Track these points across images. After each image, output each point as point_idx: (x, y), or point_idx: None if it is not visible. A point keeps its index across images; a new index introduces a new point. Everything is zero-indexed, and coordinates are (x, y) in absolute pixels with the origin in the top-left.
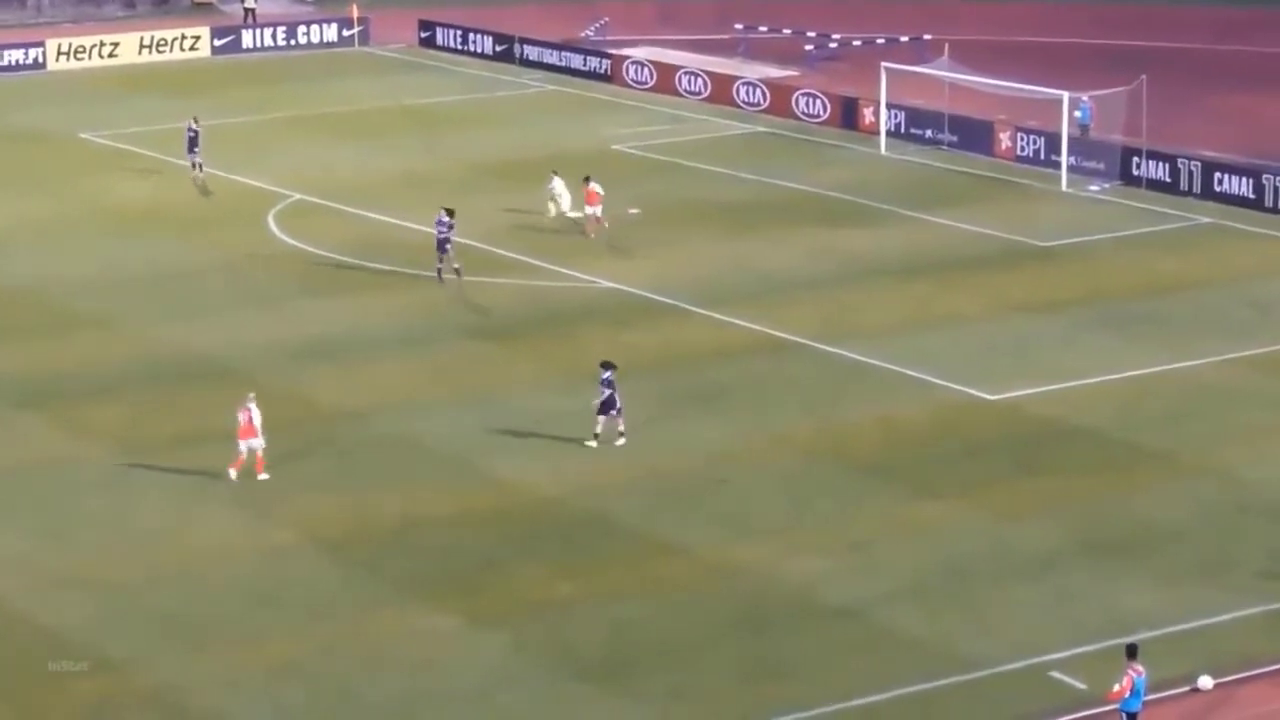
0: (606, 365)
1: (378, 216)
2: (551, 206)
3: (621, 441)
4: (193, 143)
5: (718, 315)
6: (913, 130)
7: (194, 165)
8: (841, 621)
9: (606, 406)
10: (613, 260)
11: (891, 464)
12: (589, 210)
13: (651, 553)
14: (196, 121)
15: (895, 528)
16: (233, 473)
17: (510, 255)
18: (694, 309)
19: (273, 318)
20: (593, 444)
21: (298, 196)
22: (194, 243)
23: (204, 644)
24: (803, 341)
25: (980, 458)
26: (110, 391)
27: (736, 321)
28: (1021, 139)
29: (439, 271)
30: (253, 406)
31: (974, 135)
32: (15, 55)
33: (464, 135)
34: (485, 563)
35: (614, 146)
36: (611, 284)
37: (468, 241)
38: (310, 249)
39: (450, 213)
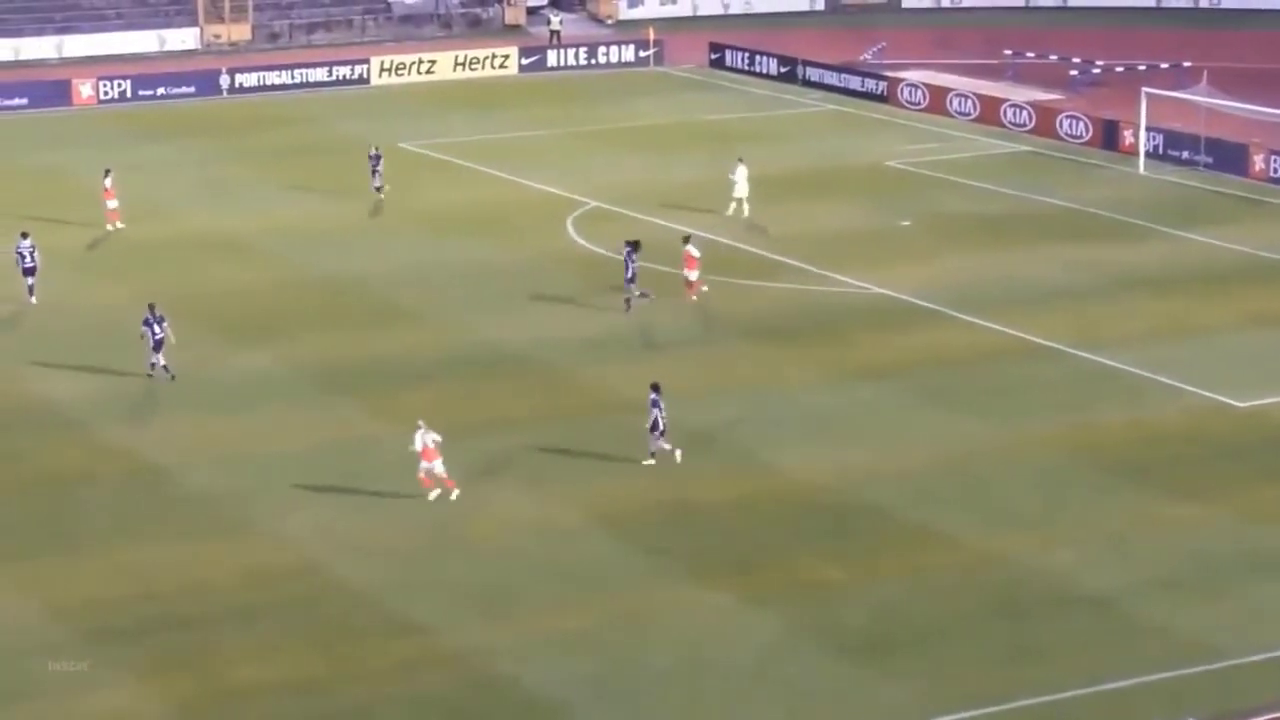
0: (654, 387)
1: (665, 223)
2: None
3: (679, 455)
4: (376, 166)
5: (979, 320)
6: (1170, 152)
7: (374, 188)
8: (1094, 610)
9: (653, 427)
10: (883, 268)
11: (1144, 464)
12: (686, 274)
13: (916, 541)
14: (375, 148)
15: (1147, 524)
16: (431, 493)
17: (787, 261)
18: (957, 314)
19: (568, 314)
20: (651, 461)
21: (594, 204)
22: (500, 244)
23: (500, 613)
24: (1059, 347)
25: (1229, 461)
26: (419, 378)
27: (996, 327)
28: (1275, 161)
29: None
30: (424, 432)
31: (1229, 157)
32: (343, 71)
33: (748, 150)
34: (759, 545)
35: (888, 163)
36: (880, 290)
37: (746, 248)
38: (604, 251)
39: (634, 245)
